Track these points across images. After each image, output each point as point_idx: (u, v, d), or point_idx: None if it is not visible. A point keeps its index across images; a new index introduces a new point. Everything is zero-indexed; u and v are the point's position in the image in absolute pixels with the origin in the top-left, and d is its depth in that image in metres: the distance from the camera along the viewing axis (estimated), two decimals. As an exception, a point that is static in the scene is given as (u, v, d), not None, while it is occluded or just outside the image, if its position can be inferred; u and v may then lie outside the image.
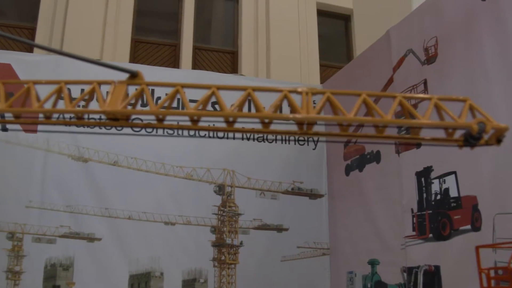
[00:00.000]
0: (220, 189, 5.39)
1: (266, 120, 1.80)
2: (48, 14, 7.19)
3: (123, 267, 5.11)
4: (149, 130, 5.33)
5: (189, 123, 1.80)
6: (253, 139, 5.55)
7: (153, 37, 7.77)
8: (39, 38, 7.02)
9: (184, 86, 1.76)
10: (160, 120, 1.81)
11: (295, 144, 5.60)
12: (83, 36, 7.03)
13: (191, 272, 5.23)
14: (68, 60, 5.54)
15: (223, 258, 5.30)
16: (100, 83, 1.76)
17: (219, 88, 1.76)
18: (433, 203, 4.13)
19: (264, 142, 5.57)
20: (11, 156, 5.03)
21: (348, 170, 5.48)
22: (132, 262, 5.15)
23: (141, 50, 7.71)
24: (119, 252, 5.12)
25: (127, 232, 5.15)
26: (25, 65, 5.20)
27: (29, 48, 6.79)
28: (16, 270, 4.99)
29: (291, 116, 1.73)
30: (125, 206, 5.19)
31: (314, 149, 5.68)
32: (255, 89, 1.75)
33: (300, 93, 1.78)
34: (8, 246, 4.95)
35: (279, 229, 5.42)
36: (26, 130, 5.02)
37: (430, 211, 4.13)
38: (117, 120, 1.79)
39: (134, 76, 1.81)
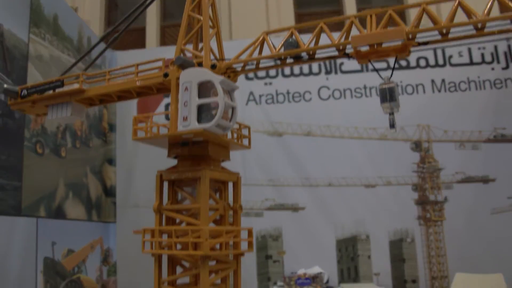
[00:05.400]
0: (417, 146, 5.21)
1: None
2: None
3: (329, 233, 5.22)
4: (337, 96, 5.30)
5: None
6: (445, 90, 5.25)
7: (314, 8, 7.61)
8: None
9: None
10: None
11: (491, 88, 5.19)
12: (248, 18, 7.11)
13: (397, 232, 5.18)
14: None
15: (428, 215, 5.16)
16: None
17: None
18: None
19: (457, 91, 5.26)
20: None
21: (558, 107, 4.96)
22: (337, 227, 5.24)
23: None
24: (324, 219, 5.23)
25: (329, 198, 5.24)
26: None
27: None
28: (231, 244, 5.34)
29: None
30: (324, 174, 5.27)
31: (514, 90, 5.20)
32: None
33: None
34: (220, 223, 5.30)
35: (485, 180, 5.11)
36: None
37: None
38: None
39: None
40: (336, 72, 5.43)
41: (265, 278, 5.22)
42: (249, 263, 5.16)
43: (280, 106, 5.44)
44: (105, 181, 5.75)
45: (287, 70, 5.51)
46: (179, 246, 2.13)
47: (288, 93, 5.45)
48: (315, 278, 4.60)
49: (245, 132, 2.44)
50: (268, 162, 5.33)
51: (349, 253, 5.20)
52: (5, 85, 2.51)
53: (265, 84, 5.49)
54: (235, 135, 2.37)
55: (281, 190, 5.30)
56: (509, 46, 5.18)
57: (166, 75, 2.14)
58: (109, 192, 5.72)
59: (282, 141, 5.36)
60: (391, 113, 2.03)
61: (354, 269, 5.17)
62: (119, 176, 5.66)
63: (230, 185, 2.48)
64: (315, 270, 4.82)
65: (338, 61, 5.44)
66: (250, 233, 2.40)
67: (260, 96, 5.44)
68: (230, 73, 2.22)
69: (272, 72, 5.52)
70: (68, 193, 4.98)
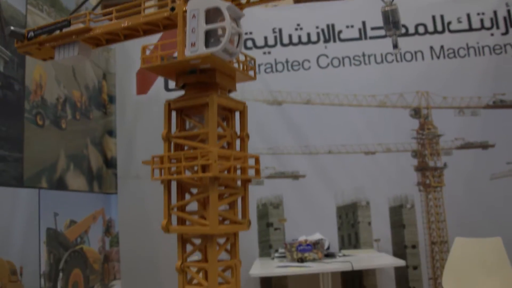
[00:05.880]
0: (416, 113, 5.25)
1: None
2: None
3: (329, 200, 5.26)
4: (336, 64, 5.32)
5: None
6: (444, 57, 5.27)
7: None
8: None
9: None
10: None
11: (490, 54, 5.22)
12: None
13: (396, 198, 5.23)
14: None
15: (427, 181, 5.20)
16: None
17: None
18: None
19: (456, 58, 5.29)
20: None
21: (557, 72, 4.99)
22: (337, 194, 5.27)
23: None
24: (324, 186, 5.27)
25: (329, 166, 5.27)
26: None
27: None
28: (235, 212, 5.38)
29: None
30: (323, 142, 5.30)
31: (514, 55, 5.22)
32: None
33: None
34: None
35: (484, 146, 5.15)
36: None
37: None
38: None
39: None
40: (334, 40, 5.45)
41: (267, 246, 5.26)
42: (250, 231, 5.17)
43: (279, 75, 5.46)
44: (106, 152, 5.77)
45: (285, 39, 5.51)
46: (188, 173, 2.17)
47: (287, 62, 5.46)
48: (316, 244, 4.63)
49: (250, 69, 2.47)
50: (267, 131, 5.35)
51: (350, 220, 5.25)
52: (12, 27, 2.53)
53: (264, 53, 5.50)
54: (241, 66, 2.39)
55: (281, 158, 5.33)
56: (508, 11, 5.20)
57: (172, 9, 2.17)
58: (110, 163, 5.74)
59: (282, 109, 5.38)
60: (394, 34, 2.12)
61: (354, 235, 5.22)
62: (119, 147, 5.67)
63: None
64: (316, 236, 4.85)
65: (337, 29, 5.44)
66: (257, 160, 2.43)
67: (259, 65, 5.45)
68: (236, 5, 2.25)
69: (271, 41, 5.52)
70: (69, 165, 4.99)
